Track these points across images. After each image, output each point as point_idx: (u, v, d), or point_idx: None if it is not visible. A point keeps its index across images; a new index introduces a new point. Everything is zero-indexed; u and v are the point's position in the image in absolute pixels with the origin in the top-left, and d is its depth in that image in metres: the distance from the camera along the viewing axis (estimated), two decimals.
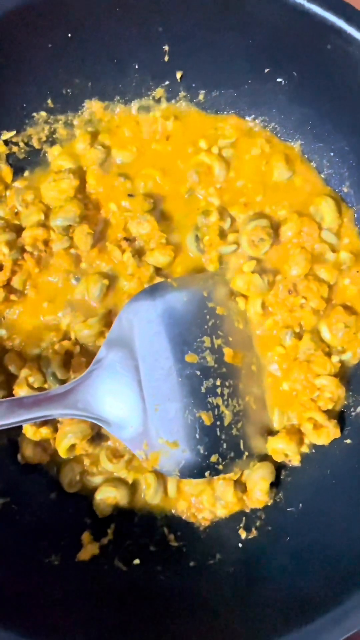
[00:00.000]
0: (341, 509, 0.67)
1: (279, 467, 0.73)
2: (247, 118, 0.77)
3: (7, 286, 0.72)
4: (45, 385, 0.70)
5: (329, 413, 0.71)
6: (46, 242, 0.73)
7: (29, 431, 0.69)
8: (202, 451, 0.68)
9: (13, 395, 0.69)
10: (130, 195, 0.74)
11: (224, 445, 0.69)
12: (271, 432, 0.73)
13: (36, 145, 0.76)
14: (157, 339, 0.69)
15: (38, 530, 0.68)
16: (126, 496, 0.71)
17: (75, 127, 0.77)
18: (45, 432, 0.70)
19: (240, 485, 0.72)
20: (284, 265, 0.73)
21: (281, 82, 0.72)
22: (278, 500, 0.72)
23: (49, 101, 0.74)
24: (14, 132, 0.74)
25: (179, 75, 0.75)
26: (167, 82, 0.76)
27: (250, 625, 0.60)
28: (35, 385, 0.70)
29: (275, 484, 0.72)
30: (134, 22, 0.69)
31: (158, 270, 0.74)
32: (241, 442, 0.70)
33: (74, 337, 0.73)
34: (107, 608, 0.63)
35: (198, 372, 0.69)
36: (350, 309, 0.73)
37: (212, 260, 0.74)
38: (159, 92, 0.76)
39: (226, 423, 0.69)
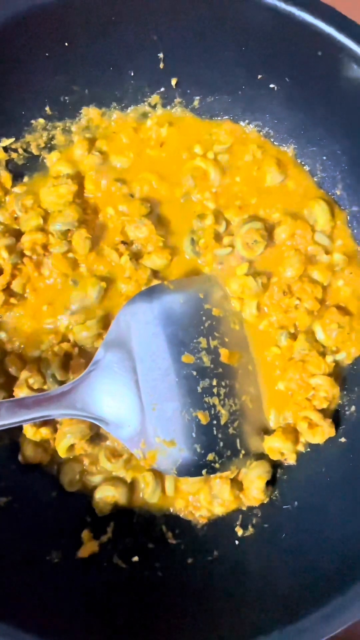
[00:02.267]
0: (336, 506, 0.68)
1: (275, 466, 0.74)
2: (242, 123, 0.78)
3: (7, 290, 0.74)
4: (45, 387, 0.71)
5: (324, 412, 0.72)
6: (45, 247, 0.74)
7: (29, 432, 0.71)
8: (199, 450, 0.69)
9: (13, 397, 0.71)
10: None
11: (221, 444, 0.70)
12: (267, 431, 0.74)
13: (35, 151, 0.77)
14: (154, 340, 0.70)
15: (39, 528, 0.69)
16: (125, 495, 0.72)
17: (73, 133, 0.78)
18: (45, 432, 0.71)
19: (236, 484, 0.73)
20: (279, 267, 0.75)
21: (274, 88, 0.73)
22: (274, 498, 0.73)
23: (47, 108, 0.75)
24: (13, 139, 0.75)
25: (174, 82, 0.76)
26: (162, 89, 0.77)
27: (249, 619, 0.61)
28: (35, 387, 0.71)
29: (271, 482, 0.73)
30: (129, 31, 0.71)
31: (155, 273, 0.75)
32: (238, 440, 0.71)
33: (73, 339, 0.74)
34: (107, 604, 0.64)
35: (194, 373, 0.70)
36: (344, 310, 0.74)
37: (207, 263, 0.75)
38: (155, 98, 0.78)
39: (223, 422, 0.70)
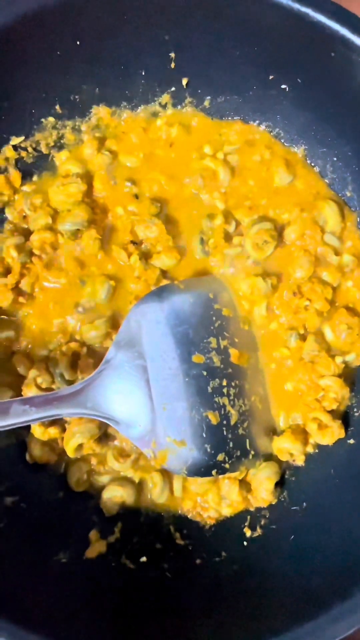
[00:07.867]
0: (345, 508, 0.68)
1: (283, 467, 0.74)
2: (252, 123, 0.78)
3: (16, 289, 0.73)
4: (53, 386, 0.71)
5: (333, 413, 0.72)
6: (54, 246, 0.75)
7: (37, 431, 0.70)
8: (209, 450, 0.69)
9: (22, 396, 0.70)
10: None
11: (231, 444, 0.70)
12: (276, 432, 0.74)
13: (44, 150, 0.77)
14: (164, 340, 0.70)
15: (46, 528, 0.69)
16: (133, 495, 0.72)
17: (82, 132, 0.78)
18: (53, 432, 0.70)
19: (245, 485, 0.73)
20: (288, 268, 0.75)
21: (285, 88, 0.73)
22: (282, 499, 0.73)
23: (57, 107, 0.75)
24: (22, 138, 0.75)
25: (184, 81, 0.76)
26: (173, 89, 0.77)
27: (256, 621, 0.61)
28: (44, 386, 0.71)
29: (279, 484, 0.73)
30: (141, 30, 0.70)
31: (164, 273, 0.75)
32: (247, 441, 0.71)
33: (81, 338, 0.74)
34: (114, 604, 0.64)
35: (204, 373, 0.70)
36: (353, 311, 0.74)
37: (217, 263, 0.75)
38: (165, 98, 0.77)
39: (232, 422, 0.70)
